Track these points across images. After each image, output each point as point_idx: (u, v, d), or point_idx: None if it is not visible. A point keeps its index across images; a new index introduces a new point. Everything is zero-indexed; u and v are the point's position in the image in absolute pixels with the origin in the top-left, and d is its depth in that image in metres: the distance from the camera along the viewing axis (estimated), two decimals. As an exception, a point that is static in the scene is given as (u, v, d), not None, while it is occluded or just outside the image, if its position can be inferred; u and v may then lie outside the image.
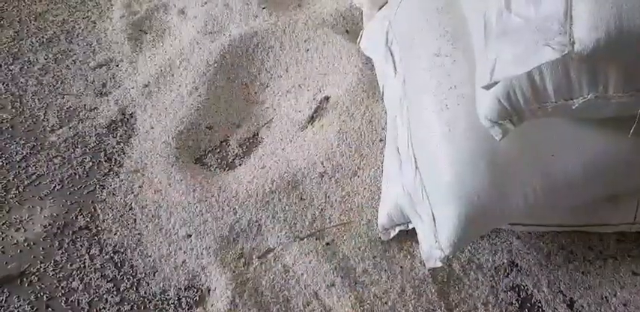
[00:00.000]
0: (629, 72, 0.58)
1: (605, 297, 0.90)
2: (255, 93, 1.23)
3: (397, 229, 0.93)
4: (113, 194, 1.04)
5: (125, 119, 1.18)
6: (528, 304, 0.90)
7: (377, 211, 0.97)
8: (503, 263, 0.93)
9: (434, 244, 0.77)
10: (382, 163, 1.04)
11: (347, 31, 1.31)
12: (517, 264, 0.93)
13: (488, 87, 0.60)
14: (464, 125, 0.74)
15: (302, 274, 0.92)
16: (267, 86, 1.24)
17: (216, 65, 1.24)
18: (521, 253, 0.94)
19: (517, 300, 0.90)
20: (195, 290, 0.91)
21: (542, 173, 0.71)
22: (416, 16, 0.92)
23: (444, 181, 0.74)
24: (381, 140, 1.09)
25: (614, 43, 0.51)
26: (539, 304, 0.90)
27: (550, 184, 0.71)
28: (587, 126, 0.70)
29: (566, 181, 0.71)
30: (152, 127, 1.15)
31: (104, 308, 0.89)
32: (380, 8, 1.16)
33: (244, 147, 1.13)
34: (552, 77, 0.59)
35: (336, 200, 1.01)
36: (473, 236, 0.77)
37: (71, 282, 0.92)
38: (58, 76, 1.27)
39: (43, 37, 1.36)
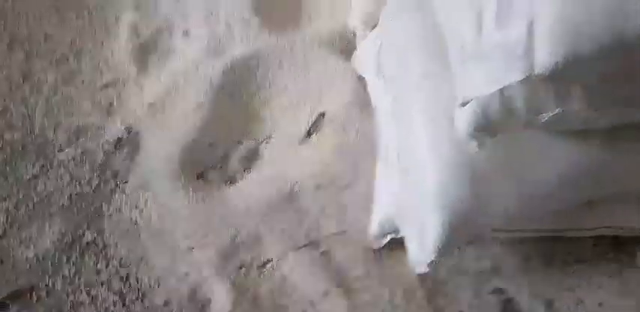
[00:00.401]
0: (590, 90, 0.62)
1: (582, 298, 0.94)
2: (256, 110, 1.27)
3: (388, 237, 0.97)
4: (119, 210, 1.08)
5: (131, 137, 1.22)
6: (510, 306, 0.94)
7: (369, 221, 1.01)
8: (486, 268, 0.97)
9: (421, 251, 0.81)
10: (375, 175, 1.08)
11: (342, 51, 1.36)
12: (499, 268, 0.97)
13: (463, 104, 0.65)
14: (447, 139, 0.78)
15: (299, 283, 0.96)
16: (266, 103, 1.28)
17: (218, 84, 1.29)
18: (503, 258, 0.98)
19: (499, 302, 0.94)
20: (198, 301, 0.95)
21: (520, 184, 0.75)
22: (404, 37, 0.97)
23: (429, 192, 0.79)
24: (373, 154, 1.13)
25: (571, 66, 0.56)
26: (520, 306, 0.94)
27: (527, 194, 0.75)
28: (561, 137, 0.74)
29: (542, 191, 0.75)
30: (156, 145, 1.19)
31: (111, 320, 0.93)
32: (372, 28, 1.21)
33: (245, 162, 1.17)
34: (521, 95, 0.63)
35: (331, 211, 1.05)
36: (457, 243, 0.81)
37: (79, 296, 0.95)
38: (67, 96, 1.30)
39: (52, 58, 1.39)
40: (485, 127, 0.67)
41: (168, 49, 1.43)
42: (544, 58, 0.56)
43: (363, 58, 1.21)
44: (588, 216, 0.88)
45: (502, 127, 0.67)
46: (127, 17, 1.46)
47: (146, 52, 1.42)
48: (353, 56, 1.29)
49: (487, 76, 0.62)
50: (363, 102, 1.21)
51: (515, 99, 0.64)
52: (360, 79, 1.25)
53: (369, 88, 1.20)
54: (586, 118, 0.67)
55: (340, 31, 1.40)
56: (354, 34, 1.35)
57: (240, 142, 1.21)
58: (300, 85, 1.30)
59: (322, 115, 1.22)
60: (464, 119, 0.68)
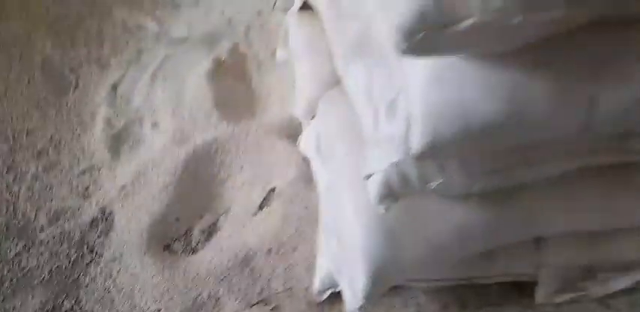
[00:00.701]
0: (462, 163, 0.83)
1: (491, 336, 1.10)
2: (215, 189, 1.46)
3: (329, 292, 1.14)
4: (94, 280, 1.22)
5: (105, 217, 1.37)
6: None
7: (313, 278, 1.18)
8: (412, 314, 1.14)
9: (353, 298, 0.98)
10: (317, 240, 1.26)
11: (290, 136, 1.56)
12: (424, 315, 1.14)
13: (367, 177, 0.86)
14: (366, 205, 0.97)
15: (253, 337, 1.10)
16: (225, 182, 1.47)
17: (183, 168, 1.46)
18: (425, 306, 1.15)
19: (423, 344, 1.10)
20: (165, 358, 1.08)
21: (426, 239, 0.94)
22: (335, 125, 1.20)
23: (355, 249, 0.96)
24: (316, 222, 1.31)
25: (434, 149, 0.76)
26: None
27: (434, 248, 0.94)
28: (451, 199, 0.94)
29: (445, 245, 0.93)
30: (128, 223, 1.35)
31: None
32: (313, 118, 1.43)
33: (206, 234, 1.34)
34: (412, 169, 0.83)
35: (280, 271, 1.22)
36: (380, 290, 0.98)
37: (58, 359, 1.07)
38: (47, 183, 1.45)
39: (33, 150, 1.55)
40: (389, 195, 0.87)
41: (138, 139, 1.60)
42: (416, 143, 0.77)
43: (307, 142, 1.42)
44: (489, 265, 1.06)
45: (402, 194, 0.88)
46: (102, 112, 1.65)
47: (118, 142, 1.59)
48: (298, 140, 1.51)
49: (382, 155, 0.83)
50: (307, 178, 1.41)
51: (408, 172, 0.84)
52: (305, 160, 1.46)
53: (313, 168, 1.40)
54: (466, 184, 0.88)
55: (288, 120, 1.62)
56: (300, 123, 1.58)
57: (201, 216, 1.39)
58: (253, 166, 1.49)
59: (272, 190, 1.42)
60: (371, 189, 0.88)
